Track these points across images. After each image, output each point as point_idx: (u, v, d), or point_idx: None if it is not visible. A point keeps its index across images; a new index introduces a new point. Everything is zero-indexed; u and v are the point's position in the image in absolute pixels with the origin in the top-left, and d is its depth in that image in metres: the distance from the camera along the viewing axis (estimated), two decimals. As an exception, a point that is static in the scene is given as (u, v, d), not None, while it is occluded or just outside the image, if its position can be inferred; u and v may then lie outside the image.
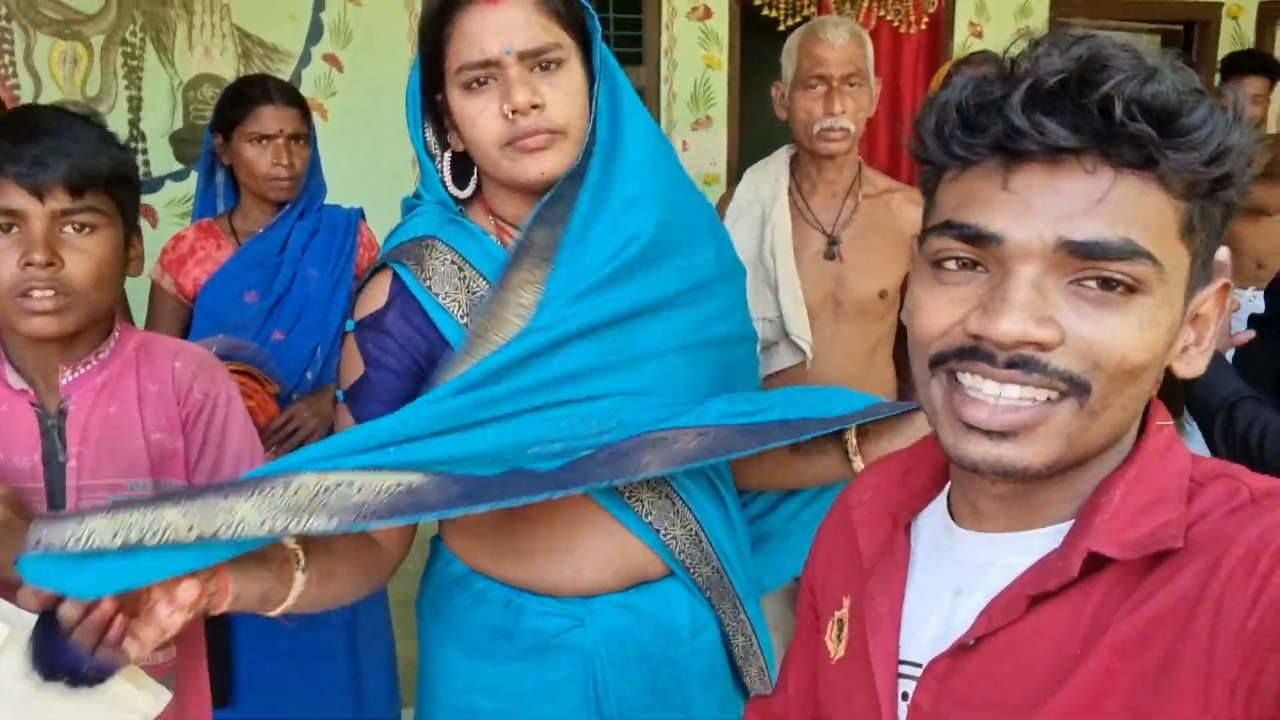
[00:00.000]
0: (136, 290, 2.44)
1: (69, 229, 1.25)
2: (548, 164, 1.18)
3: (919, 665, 0.78)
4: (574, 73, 1.20)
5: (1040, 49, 0.67)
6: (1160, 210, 0.67)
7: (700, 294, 1.29)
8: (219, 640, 2.21)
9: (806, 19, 4.79)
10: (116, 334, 1.37)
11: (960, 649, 0.74)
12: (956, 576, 0.78)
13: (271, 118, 2.19)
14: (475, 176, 1.27)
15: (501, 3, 1.15)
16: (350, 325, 1.26)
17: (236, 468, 1.39)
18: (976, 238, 0.68)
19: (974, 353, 0.69)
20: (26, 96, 3.78)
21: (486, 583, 1.32)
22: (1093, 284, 0.67)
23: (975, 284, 0.70)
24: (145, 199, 3.99)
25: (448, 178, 1.26)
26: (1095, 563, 0.69)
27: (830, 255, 2.13)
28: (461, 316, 1.22)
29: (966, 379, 0.70)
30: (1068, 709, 0.68)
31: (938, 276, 0.72)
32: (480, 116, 1.17)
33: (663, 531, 1.29)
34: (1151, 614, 0.66)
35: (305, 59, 4.20)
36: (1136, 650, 0.66)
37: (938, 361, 0.72)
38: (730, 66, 4.81)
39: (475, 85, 1.17)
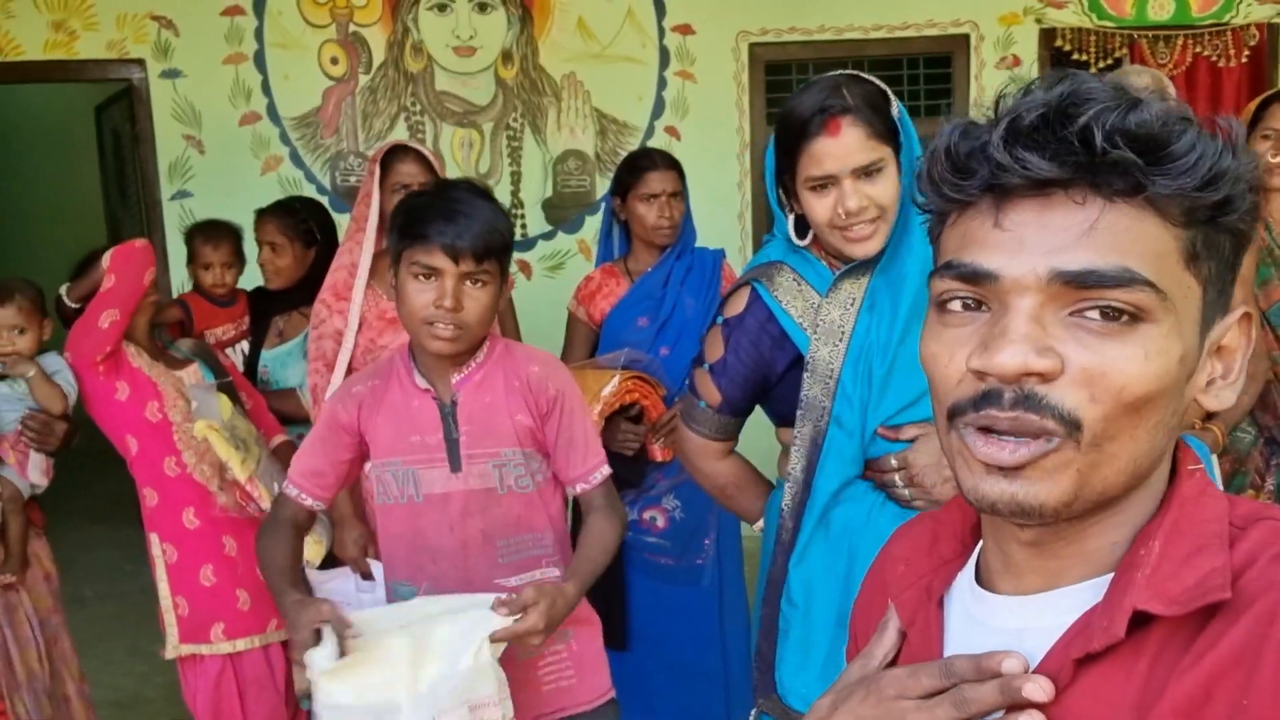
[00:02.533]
0: (528, 311, 3.09)
1: (469, 283, 1.69)
2: (871, 246, 1.58)
3: None
4: (891, 175, 1.57)
5: (1024, 90, 0.69)
6: (1158, 238, 0.66)
7: None
8: (617, 598, 2.75)
9: (1118, 61, 4.92)
10: (487, 344, 1.81)
11: None
12: (994, 646, 0.72)
13: (657, 181, 2.77)
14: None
15: (840, 134, 1.54)
16: (719, 319, 1.74)
17: (586, 443, 1.82)
18: (974, 276, 0.69)
19: (985, 400, 0.68)
20: (434, 176, 4.67)
21: None
22: (1094, 314, 0.66)
23: (978, 323, 0.70)
24: (521, 255, 4.80)
25: (792, 230, 1.68)
26: (1141, 618, 0.66)
27: None
28: (799, 318, 1.65)
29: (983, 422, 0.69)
30: None
31: (943, 319, 0.72)
32: (820, 209, 1.58)
33: None
34: (1212, 669, 0.63)
35: (649, 131, 4.83)
36: (1200, 708, 0.63)
37: (954, 414, 0.70)
38: (1040, 112, 4.98)
39: (818, 189, 1.58)
